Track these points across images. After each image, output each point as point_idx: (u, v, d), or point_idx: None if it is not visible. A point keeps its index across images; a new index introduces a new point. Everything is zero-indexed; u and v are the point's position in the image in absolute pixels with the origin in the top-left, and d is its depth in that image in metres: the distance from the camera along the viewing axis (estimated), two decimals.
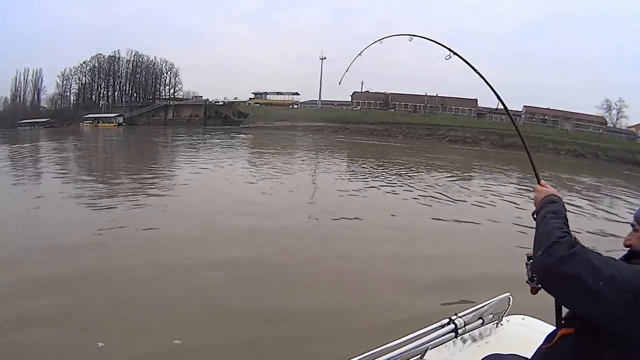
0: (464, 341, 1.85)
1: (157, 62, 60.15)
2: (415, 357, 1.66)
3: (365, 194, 10.62)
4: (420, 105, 50.28)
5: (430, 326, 1.72)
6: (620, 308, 0.92)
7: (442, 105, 50.10)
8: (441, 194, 11.32)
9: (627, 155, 44.62)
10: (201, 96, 55.01)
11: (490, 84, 1.80)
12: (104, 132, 40.54)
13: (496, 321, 1.90)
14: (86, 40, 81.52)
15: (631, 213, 1.22)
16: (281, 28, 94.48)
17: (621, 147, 47.03)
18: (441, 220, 8.16)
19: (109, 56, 59.49)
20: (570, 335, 1.08)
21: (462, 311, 1.81)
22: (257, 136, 36.32)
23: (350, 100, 52.43)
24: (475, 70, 1.84)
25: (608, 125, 53.74)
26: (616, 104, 51.92)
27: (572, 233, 1.11)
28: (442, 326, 1.75)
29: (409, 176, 15.10)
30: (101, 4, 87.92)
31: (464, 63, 1.89)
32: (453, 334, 1.76)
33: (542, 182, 1.38)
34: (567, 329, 1.10)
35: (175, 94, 59.29)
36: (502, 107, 1.83)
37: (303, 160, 19.72)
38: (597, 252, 1.02)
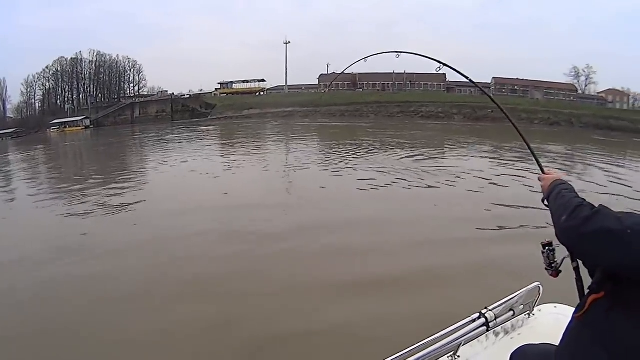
0: (497, 334, 1.85)
1: (120, 61, 58.60)
2: (449, 354, 1.69)
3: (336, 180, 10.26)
4: (388, 84, 49.85)
5: (462, 321, 1.72)
6: None
7: (410, 82, 49.74)
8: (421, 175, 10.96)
9: (601, 121, 45.22)
10: (167, 91, 53.81)
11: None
12: (71, 137, 39.53)
13: (527, 312, 1.90)
14: (49, 46, 79.12)
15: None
16: (242, 16, 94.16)
17: (594, 114, 47.71)
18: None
19: (71, 59, 57.83)
20: (602, 299, 1.09)
21: (491, 304, 1.79)
22: (226, 127, 35.76)
23: (317, 83, 51.56)
24: (466, 77, 1.93)
25: (578, 93, 54.25)
26: (584, 71, 52.50)
27: None
28: (473, 321, 1.74)
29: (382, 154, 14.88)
30: (61, 7, 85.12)
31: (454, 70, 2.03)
32: (484, 327, 1.75)
33: (547, 170, 1.46)
34: (597, 293, 1.11)
35: (140, 91, 58.04)
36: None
37: (273, 149, 19.40)
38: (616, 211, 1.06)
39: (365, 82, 50.22)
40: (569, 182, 1.33)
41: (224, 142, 24.17)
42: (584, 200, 1.14)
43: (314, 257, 5.19)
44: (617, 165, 15.16)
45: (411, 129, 30.27)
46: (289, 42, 51.83)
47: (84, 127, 47.23)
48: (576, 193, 1.23)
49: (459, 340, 1.66)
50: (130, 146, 25.42)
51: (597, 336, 1.08)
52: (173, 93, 51.74)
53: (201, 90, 52.57)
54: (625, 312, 1.02)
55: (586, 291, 1.16)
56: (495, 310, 1.78)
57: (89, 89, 58.69)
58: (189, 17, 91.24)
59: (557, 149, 20.23)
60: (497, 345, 1.81)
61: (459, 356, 1.73)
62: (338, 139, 22.22)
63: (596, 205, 1.08)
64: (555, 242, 1.32)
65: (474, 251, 5.26)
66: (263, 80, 51.65)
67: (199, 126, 37.45)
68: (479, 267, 4.71)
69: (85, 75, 58.67)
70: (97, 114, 51.81)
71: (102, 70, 58.44)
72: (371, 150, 16.59)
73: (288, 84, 51.88)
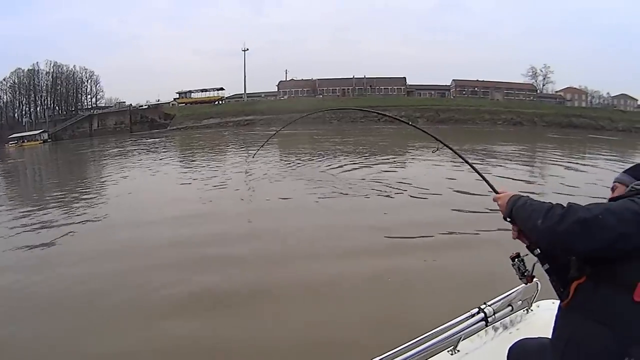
0: (495, 329, 1.89)
1: (77, 71, 56.85)
2: (449, 348, 1.74)
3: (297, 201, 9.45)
4: (348, 89, 49.77)
5: (461, 316, 1.74)
6: (623, 226, 1.10)
7: (370, 86, 49.92)
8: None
9: (562, 120, 46.15)
10: (124, 102, 52.48)
11: (477, 169, 1.89)
12: (29, 152, 38.07)
13: (526, 307, 1.95)
14: (5, 57, 75.46)
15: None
16: (198, 24, 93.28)
17: (556, 112, 48.69)
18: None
19: (28, 70, 55.85)
20: (585, 283, 1.20)
21: (490, 300, 1.82)
22: (185, 137, 34.86)
23: (276, 90, 51.11)
24: (461, 157, 1.95)
25: (538, 92, 55.45)
26: (542, 70, 53.79)
27: None
28: (472, 316, 1.76)
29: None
30: (17, 16, 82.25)
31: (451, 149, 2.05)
32: (483, 322, 1.77)
33: (499, 189, 1.51)
34: (579, 279, 1.22)
35: (98, 102, 56.49)
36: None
37: (234, 162, 18.42)
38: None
39: (324, 88, 50.12)
40: (524, 195, 1.39)
41: (182, 154, 23.67)
42: (551, 202, 1.24)
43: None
44: (571, 163, 15.83)
45: (371, 134, 30.25)
46: (247, 49, 51.41)
47: (42, 142, 45.69)
48: (537, 200, 1.32)
49: (458, 335, 1.70)
50: (86, 162, 24.18)
51: (589, 314, 1.17)
52: (131, 104, 50.51)
53: (159, 100, 51.64)
54: (611, 286, 1.13)
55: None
56: (493, 305, 1.81)
57: (46, 102, 56.70)
58: (146, 25, 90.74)
59: (513, 149, 20.65)
60: (496, 340, 1.84)
61: (458, 350, 1.76)
62: (295, 148, 21.93)
63: (564, 205, 1.20)
64: (522, 252, 1.48)
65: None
66: (222, 89, 51.10)
67: (158, 137, 36.64)
68: None
69: (42, 87, 56.77)
70: (55, 127, 50.16)
71: (60, 82, 56.53)
72: (320, 158, 16.40)
73: (247, 91, 51.45)
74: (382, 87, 50.83)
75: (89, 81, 57.65)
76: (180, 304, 4.26)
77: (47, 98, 56.77)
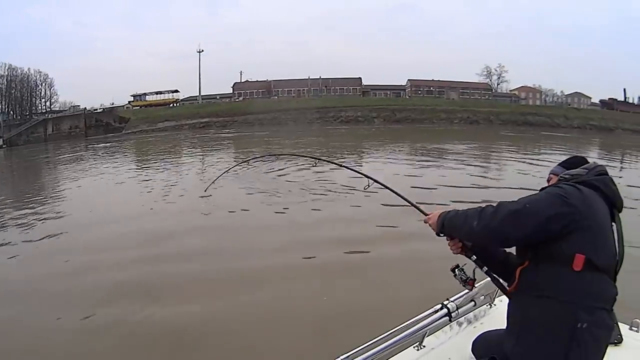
0: (460, 324, 1.94)
1: (32, 74, 54.86)
2: (415, 344, 1.78)
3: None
4: (304, 90, 50.06)
5: (425, 312, 1.78)
6: (549, 209, 1.26)
7: (326, 87, 50.25)
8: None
9: (519, 118, 47.29)
10: (79, 105, 51.10)
11: (403, 196, 1.92)
12: None
13: (488, 302, 2.00)
14: None
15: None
16: (151, 26, 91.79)
17: (512, 111, 49.74)
18: None
19: None
20: (527, 267, 1.35)
21: (453, 296, 1.85)
22: (140, 141, 34.27)
23: (231, 91, 51.03)
24: (393, 191, 1.96)
25: (493, 91, 56.77)
26: (496, 70, 55.14)
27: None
28: (436, 311, 1.79)
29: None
30: None
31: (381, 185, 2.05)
32: (447, 318, 1.80)
33: (428, 212, 1.60)
34: (522, 264, 1.36)
35: (52, 106, 54.65)
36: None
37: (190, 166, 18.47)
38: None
39: (280, 89, 50.25)
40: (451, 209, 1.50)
41: (136, 159, 23.32)
42: (480, 206, 1.38)
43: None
44: (525, 159, 16.69)
45: (328, 135, 30.46)
46: (202, 51, 50.99)
47: None
48: (465, 209, 1.43)
49: (423, 331, 1.73)
50: (40, 169, 23.63)
51: (535, 292, 1.29)
52: (85, 107, 49.36)
53: (113, 104, 50.40)
54: (551, 263, 1.27)
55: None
56: (456, 301, 1.84)
57: (0, 106, 54.81)
58: (100, 27, 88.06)
59: (466, 148, 21.32)
60: (460, 335, 1.88)
61: (424, 346, 1.80)
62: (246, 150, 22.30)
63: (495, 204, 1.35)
64: (460, 262, 1.59)
65: None
66: (177, 91, 50.39)
67: (113, 142, 35.97)
68: None
69: None
70: (10, 132, 48.41)
71: (14, 85, 54.68)
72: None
73: (202, 93, 50.82)
74: (338, 88, 50.98)
75: (43, 84, 55.56)
76: None
77: (1, 102, 54.96)
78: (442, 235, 1.51)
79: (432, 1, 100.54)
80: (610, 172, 1.46)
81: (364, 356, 1.51)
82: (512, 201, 1.32)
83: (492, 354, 1.48)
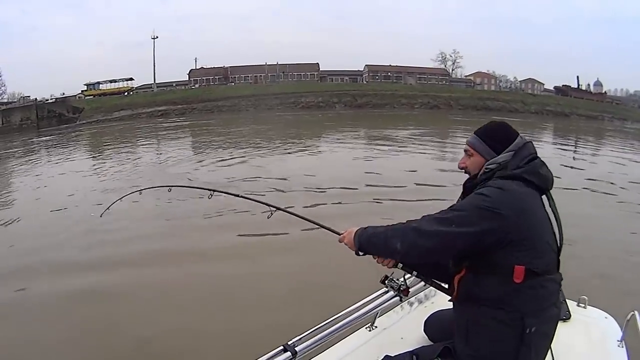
0: (411, 304, 1.98)
1: None
2: (367, 325, 1.81)
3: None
4: (261, 76, 50.23)
5: (375, 293, 1.75)
6: (478, 226, 1.20)
7: (283, 72, 50.54)
8: None
9: (478, 103, 48.66)
10: (29, 96, 49.17)
11: (312, 220, 1.78)
12: None
13: None
14: None
15: None
16: (98, 14, 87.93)
17: (471, 96, 51.06)
18: None
19: None
20: (465, 275, 1.30)
21: (400, 276, 1.76)
22: (96, 132, 32.97)
23: (187, 79, 50.66)
24: (296, 215, 1.83)
25: (449, 77, 58.29)
26: (451, 56, 56.64)
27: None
28: (386, 292, 1.75)
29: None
30: None
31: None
32: (398, 298, 1.77)
33: (341, 231, 1.51)
34: (459, 273, 1.32)
35: (0, 97, 52.38)
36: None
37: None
38: (435, 213, 1.29)
39: (237, 75, 50.16)
40: (368, 226, 1.42)
41: (91, 152, 22.25)
42: (393, 226, 1.33)
43: None
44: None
45: (287, 122, 30.31)
46: (157, 37, 49.72)
47: None
48: (382, 226, 1.37)
49: (374, 311, 1.74)
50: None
51: (479, 302, 1.27)
52: (36, 98, 47.61)
53: (63, 94, 48.74)
54: (492, 274, 1.24)
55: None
56: (407, 281, 1.74)
57: None
58: (46, 16, 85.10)
59: (424, 132, 22.21)
60: (412, 315, 1.94)
61: (376, 326, 1.84)
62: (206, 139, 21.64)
63: (415, 218, 1.30)
64: (390, 273, 1.54)
65: None
66: (131, 79, 48.73)
67: (67, 133, 34.75)
68: None
69: None
70: None
71: None
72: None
73: (156, 81, 49.35)
74: (295, 73, 51.16)
75: None
76: None
77: None
78: (362, 254, 1.43)
79: None
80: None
81: (316, 338, 1.52)
82: (436, 217, 1.26)
83: (444, 333, 1.50)
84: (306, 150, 16.53)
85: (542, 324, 1.26)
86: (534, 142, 1.41)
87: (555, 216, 1.34)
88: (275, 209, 1.87)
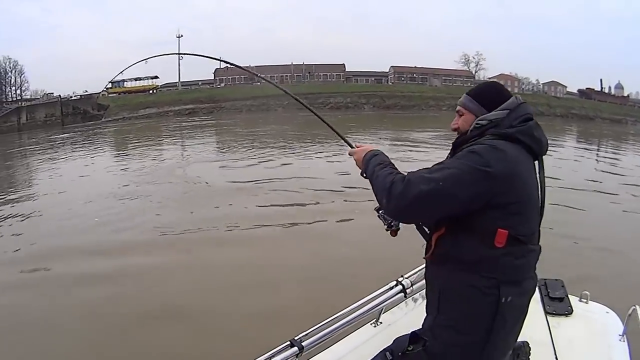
0: (415, 300, 1.99)
1: (0, 61, 51.98)
2: (372, 321, 1.87)
3: None
4: (287, 76, 49.64)
5: (380, 289, 1.78)
6: (469, 188, 1.11)
7: (309, 73, 50.03)
8: None
9: None
10: (52, 93, 48.85)
11: (330, 125, 1.71)
12: None
13: None
14: None
15: None
16: (119, 12, 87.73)
17: None
18: None
19: None
20: (445, 234, 1.22)
21: (407, 272, 1.84)
22: (126, 129, 32.79)
23: (213, 77, 50.09)
24: (310, 109, 1.78)
25: (474, 79, 57.78)
26: (474, 57, 56.06)
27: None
28: (391, 288, 1.80)
29: None
30: None
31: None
32: (402, 294, 1.81)
33: (355, 144, 1.47)
34: (438, 231, 1.23)
35: (23, 94, 52.07)
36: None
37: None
38: (424, 168, 1.19)
39: (262, 75, 49.20)
40: (381, 151, 1.35)
41: (120, 149, 22.24)
42: (394, 171, 1.23)
43: None
44: None
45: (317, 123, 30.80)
46: (182, 36, 49.27)
47: None
48: (389, 163, 1.29)
49: (379, 307, 1.76)
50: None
51: (456, 264, 1.19)
52: (60, 95, 47.16)
53: (86, 91, 48.08)
54: (472, 235, 1.16)
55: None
56: (411, 277, 1.83)
57: None
58: (68, 14, 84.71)
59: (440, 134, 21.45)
60: (416, 311, 1.90)
61: (380, 322, 1.86)
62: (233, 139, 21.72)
63: (405, 174, 1.18)
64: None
65: None
66: (156, 77, 48.09)
67: (95, 130, 34.35)
68: None
69: None
70: None
71: None
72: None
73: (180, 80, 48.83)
74: (322, 74, 50.87)
75: (13, 71, 53.02)
76: None
77: None
78: (364, 176, 1.34)
79: None
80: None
81: (322, 334, 1.52)
82: (423, 175, 1.15)
83: None
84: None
85: (518, 295, 1.20)
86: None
87: (540, 185, 1.27)
88: (293, 97, 1.89)
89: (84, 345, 3.74)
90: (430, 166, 1.20)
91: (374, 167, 1.28)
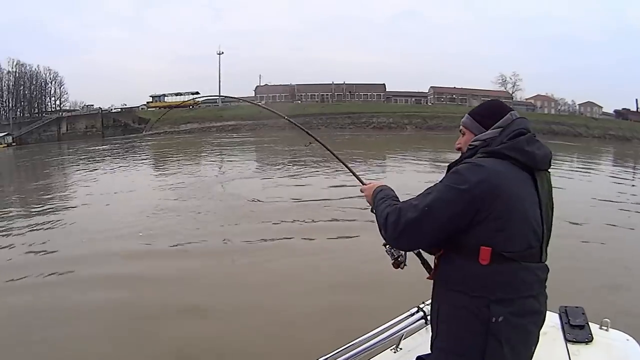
0: None
1: (41, 72, 52.95)
2: (392, 347, 1.80)
3: None
4: (327, 94, 49.17)
5: (401, 316, 1.78)
6: (449, 208, 1.13)
7: (350, 92, 49.56)
8: None
9: (544, 127, 47.60)
10: (92, 105, 49.29)
11: (345, 163, 1.81)
12: None
13: None
14: None
15: None
16: (154, 29, 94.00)
17: (537, 119, 49.88)
18: None
19: None
20: (443, 254, 1.24)
21: (429, 299, 1.69)
22: (171, 143, 32.28)
23: (253, 95, 49.83)
24: (330, 151, 1.84)
25: (512, 100, 56.74)
26: (511, 78, 55.02)
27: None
28: (412, 315, 1.79)
29: None
30: None
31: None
32: (423, 321, 1.79)
33: (366, 181, 1.51)
34: (439, 252, 1.25)
35: (62, 105, 52.94)
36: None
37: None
38: (418, 195, 1.22)
39: (303, 93, 49.30)
40: (387, 186, 1.39)
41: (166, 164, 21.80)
42: (392, 203, 1.27)
43: None
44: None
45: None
46: (222, 53, 49.66)
47: (6, 145, 42.18)
48: (392, 195, 1.33)
49: (399, 333, 1.75)
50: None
51: (447, 284, 1.20)
52: (101, 107, 47.61)
53: (125, 104, 48.73)
54: (459, 254, 1.17)
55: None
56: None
57: (7, 103, 52.64)
58: (105, 29, 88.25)
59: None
60: None
61: (401, 348, 1.82)
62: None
63: (399, 202, 1.26)
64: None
65: None
66: (197, 93, 47.61)
67: (137, 143, 34.18)
68: None
69: (3, 86, 52.53)
70: (20, 129, 46.40)
71: (22, 82, 52.62)
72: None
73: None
74: (362, 94, 50.49)
75: (53, 83, 53.85)
76: None
77: (9, 99, 52.78)
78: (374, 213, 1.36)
79: (433, 10, 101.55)
80: None
81: (341, 359, 1.53)
82: (412, 203, 1.20)
83: None
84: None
85: (515, 315, 1.15)
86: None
87: (539, 200, 1.21)
88: (315, 140, 1.89)
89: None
90: (424, 189, 1.22)
91: (377, 202, 1.33)
